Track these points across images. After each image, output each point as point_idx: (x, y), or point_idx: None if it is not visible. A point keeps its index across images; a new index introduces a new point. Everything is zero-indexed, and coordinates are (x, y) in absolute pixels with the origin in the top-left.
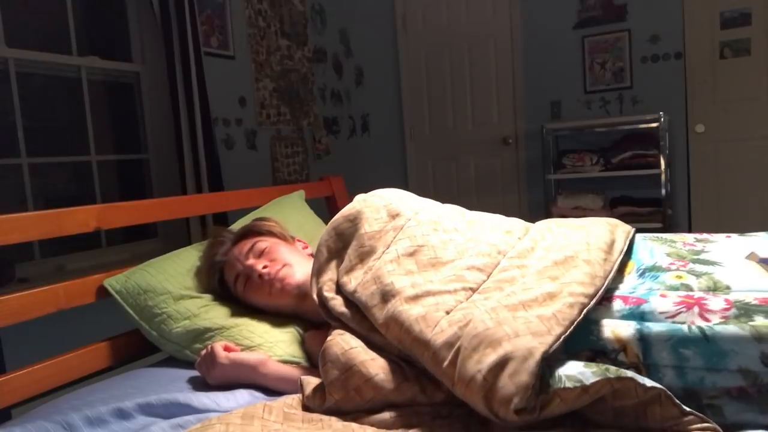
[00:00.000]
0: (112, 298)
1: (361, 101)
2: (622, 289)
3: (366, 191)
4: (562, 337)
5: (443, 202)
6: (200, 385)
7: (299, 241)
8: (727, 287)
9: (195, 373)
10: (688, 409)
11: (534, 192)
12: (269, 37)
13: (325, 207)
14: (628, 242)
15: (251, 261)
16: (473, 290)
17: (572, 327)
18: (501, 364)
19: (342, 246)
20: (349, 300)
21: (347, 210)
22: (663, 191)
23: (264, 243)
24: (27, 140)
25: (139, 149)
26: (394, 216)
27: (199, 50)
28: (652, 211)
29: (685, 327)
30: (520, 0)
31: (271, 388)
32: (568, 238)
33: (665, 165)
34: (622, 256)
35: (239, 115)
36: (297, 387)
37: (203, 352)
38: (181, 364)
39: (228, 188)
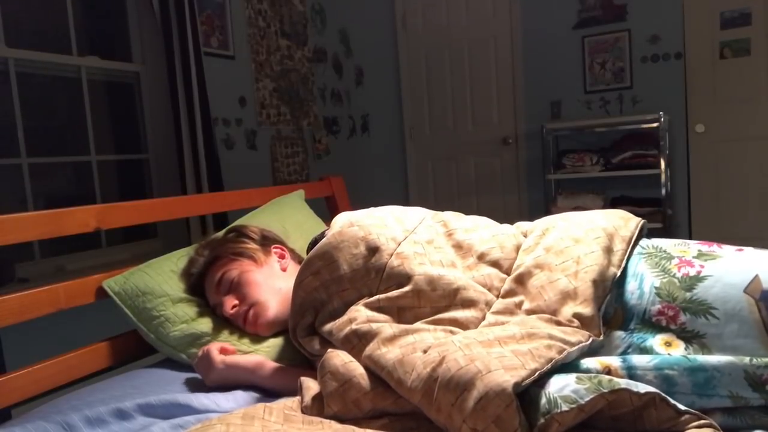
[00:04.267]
0: (112, 298)
1: (361, 101)
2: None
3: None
4: (537, 373)
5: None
6: (200, 385)
7: (276, 248)
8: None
9: (195, 373)
10: (684, 408)
11: (534, 192)
12: (269, 37)
13: (325, 207)
14: (626, 260)
15: (220, 297)
16: (453, 333)
17: (550, 365)
18: (480, 408)
19: (319, 284)
20: (325, 339)
21: (322, 247)
22: (663, 191)
23: (233, 272)
24: (27, 140)
25: (139, 149)
26: (373, 251)
27: (199, 50)
28: (652, 211)
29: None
30: (520, 0)
31: (270, 389)
32: (556, 284)
33: (665, 165)
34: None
35: (239, 115)
36: (296, 388)
37: (199, 353)
38: (180, 365)
39: (228, 188)
